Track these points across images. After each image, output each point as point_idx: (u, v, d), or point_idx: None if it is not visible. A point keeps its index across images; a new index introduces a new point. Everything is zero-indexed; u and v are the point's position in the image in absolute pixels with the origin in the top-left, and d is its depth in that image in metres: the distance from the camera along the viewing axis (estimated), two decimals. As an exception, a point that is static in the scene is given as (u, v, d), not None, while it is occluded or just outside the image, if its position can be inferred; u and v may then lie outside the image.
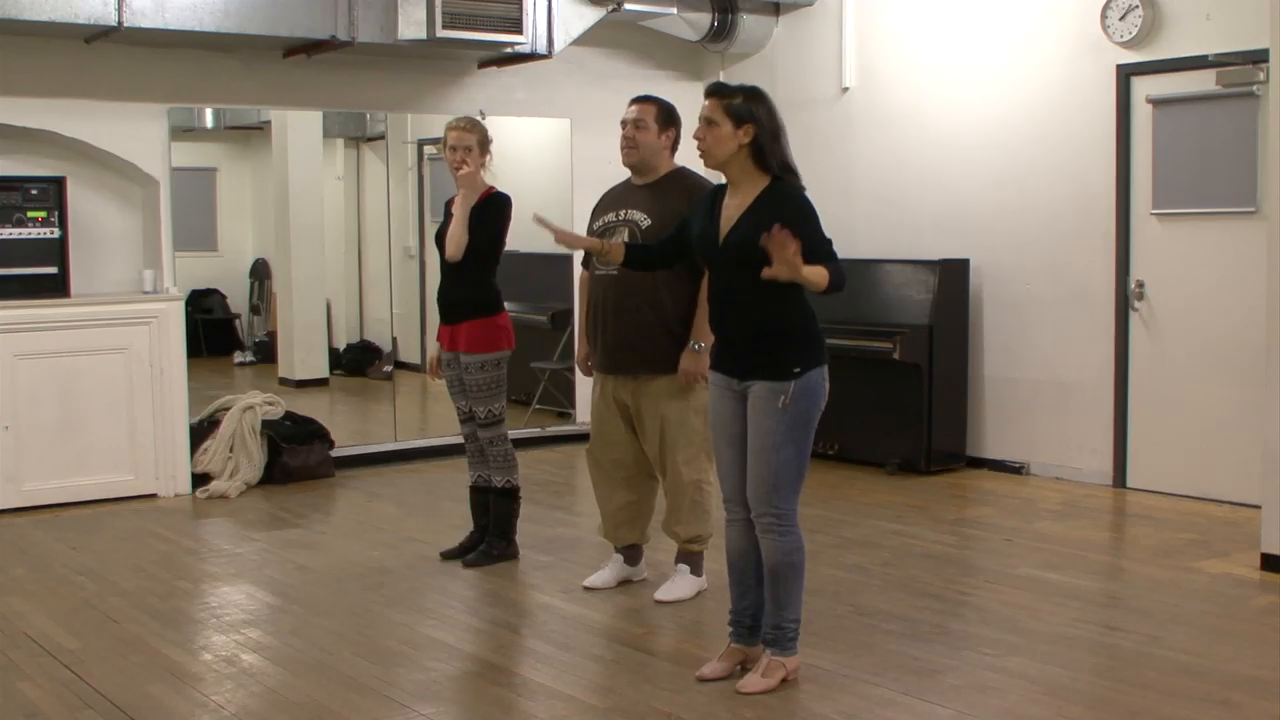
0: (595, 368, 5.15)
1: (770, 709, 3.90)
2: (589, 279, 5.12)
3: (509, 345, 5.57)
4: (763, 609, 4.14)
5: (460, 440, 5.78)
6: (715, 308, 4.10)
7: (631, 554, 5.29)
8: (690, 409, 4.94)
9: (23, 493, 6.73)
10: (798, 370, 3.95)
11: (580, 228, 5.30)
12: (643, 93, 5.16)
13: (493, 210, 5.48)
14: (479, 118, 5.80)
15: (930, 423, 7.42)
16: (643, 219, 4.90)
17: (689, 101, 8.57)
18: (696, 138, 4.03)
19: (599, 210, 5.12)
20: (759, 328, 3.98)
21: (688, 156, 4.45)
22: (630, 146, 4.98)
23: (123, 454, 6.99)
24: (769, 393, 3.97)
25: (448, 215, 5.57)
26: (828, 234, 3.97)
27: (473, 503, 5.74)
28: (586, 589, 5.19)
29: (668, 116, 5.01)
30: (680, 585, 5.10)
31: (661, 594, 5.07)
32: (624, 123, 5.01)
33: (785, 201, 3.95)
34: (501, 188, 5.54)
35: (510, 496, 5.67)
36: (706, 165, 4.10)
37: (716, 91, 4.01)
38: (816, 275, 3.83)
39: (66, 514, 6.69)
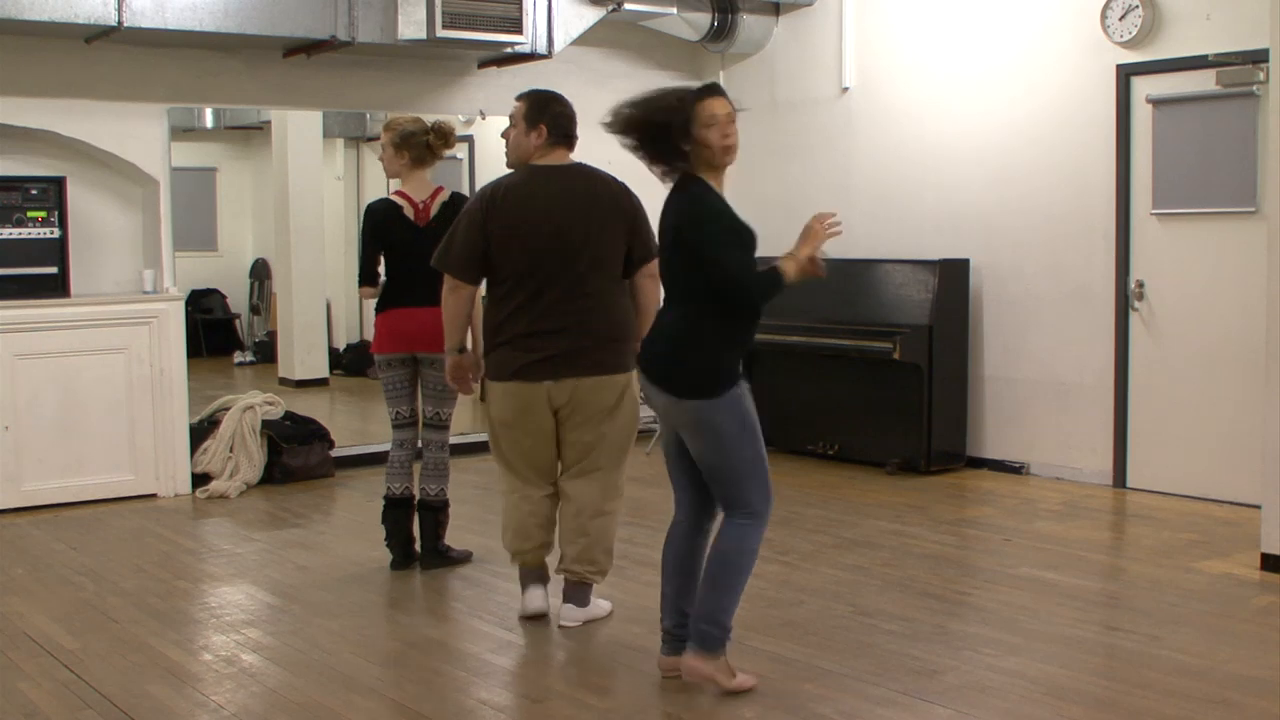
0: None
1: (770, 709, 3.91)
2: None
3: (380, 349, 5.43)
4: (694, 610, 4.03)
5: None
6: None
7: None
8: (488, 414, 4.71)
9: (23, 493, 6.73)
10: None
11: None
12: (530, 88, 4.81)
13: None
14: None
15: (930, 423, 7.41)
16: None
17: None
18: (726, 134, 3.88)
19: None
20: None
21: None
22: (506, 148, 4.69)
23: (123, 454, 6.99)
24: None
25: None
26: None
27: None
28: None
29: (537, 112, 4.58)
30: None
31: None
32: None
33: None
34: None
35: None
36: (729, 161, 3.96)
37: (724, 92, 3.97)
38: None
39: (66, 514, 6.69)
